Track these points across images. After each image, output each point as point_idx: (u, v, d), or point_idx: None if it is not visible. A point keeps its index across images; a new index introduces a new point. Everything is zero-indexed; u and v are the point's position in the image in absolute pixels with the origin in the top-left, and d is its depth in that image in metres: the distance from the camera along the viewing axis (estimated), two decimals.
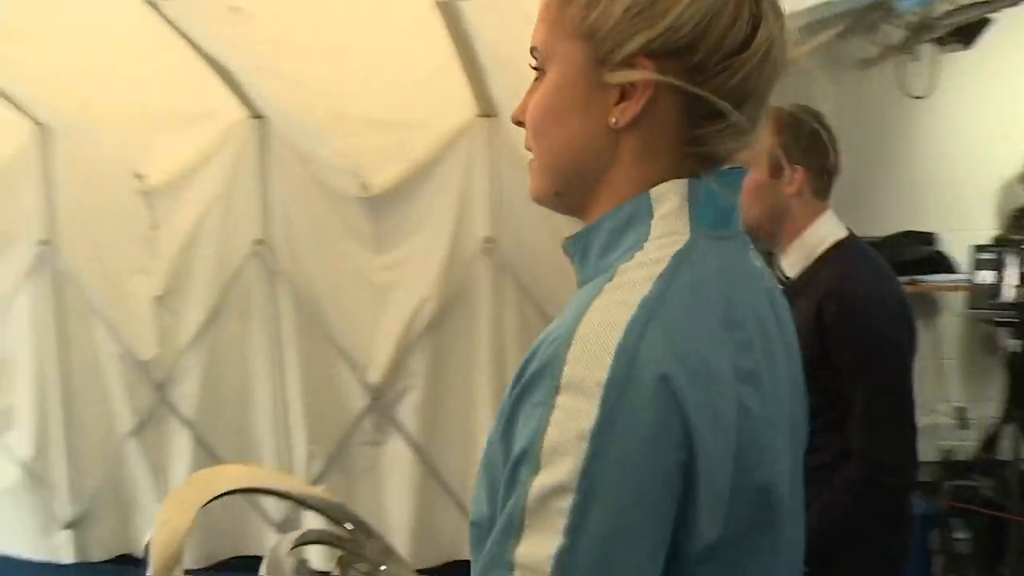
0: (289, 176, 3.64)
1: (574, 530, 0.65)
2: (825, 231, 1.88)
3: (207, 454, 3.76)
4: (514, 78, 1.96)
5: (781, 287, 1.08)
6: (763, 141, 1.66)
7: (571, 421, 0.66)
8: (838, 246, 1.88)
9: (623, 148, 0.78)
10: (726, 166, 0.81)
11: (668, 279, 0.72)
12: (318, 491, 1.68)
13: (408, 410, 3.63)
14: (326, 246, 3.65)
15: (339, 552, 1.28)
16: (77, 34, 3.13)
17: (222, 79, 3.39)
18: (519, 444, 0.68)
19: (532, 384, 0.69)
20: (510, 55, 2.82)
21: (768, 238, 1.92)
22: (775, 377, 0.78)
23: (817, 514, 1.59)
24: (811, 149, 1.87)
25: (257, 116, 3.62)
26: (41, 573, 3.97)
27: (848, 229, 1.92)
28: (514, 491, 0.67)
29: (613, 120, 0.77)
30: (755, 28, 0.75)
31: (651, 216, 0.77)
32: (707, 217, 0.78)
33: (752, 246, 0.85)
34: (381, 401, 3.62)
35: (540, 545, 0.66)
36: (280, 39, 3.01)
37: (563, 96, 0.79)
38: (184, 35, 3.11)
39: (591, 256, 0.79)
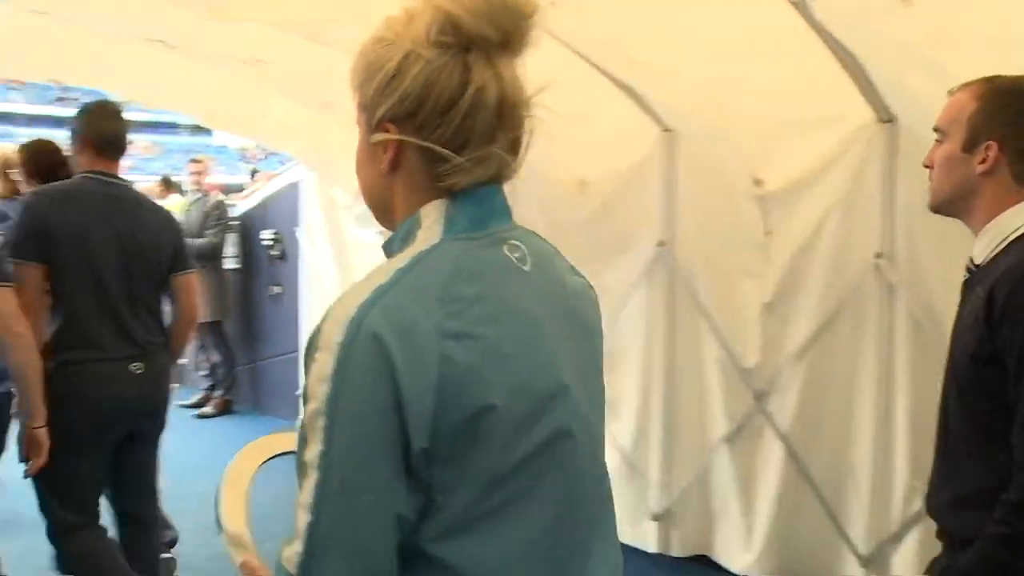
0: (916, 184, 3.32)
1: (327, 440, 0.96)
2: (1021, 219, 1.64)
3: (798, 469, 3.61)
4: None
5: (967, 274, 1.72)
6: (965, 107, 1.67)
7: (321, 369, 0.98)
8: None
9: (396, 186, 1.09)
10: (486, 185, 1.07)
11: (402, 272, 1.02)
12: None
13: None
14: (945, 260, 3.25)
15: None
16: (713, 37, 3.22)
17: (854, 80, 3.23)
18: (303, 384, 1.01)
19: (310, 345, 1.01)
20: None
21: (961, 216, 1.74)
22: (506, 335, 1.02)
23: (978, 552, 1.53)
24: (1015, 125, 1.65)
25: (887, 120, 3.38)
26: (628, 556, 4.22)
27: None
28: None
29: (382, 168, 1.08)
30: (463, 85, 1.01)
31: (419, 228, 1.07)
32: (457, 226, 1.06)
33: (517, 241, 1.10)
34: None
35: (311, 450, 0.98)
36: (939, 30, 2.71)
37: (359, 151, 1.12)
38: (824, 33, 3.01)
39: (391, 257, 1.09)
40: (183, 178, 8.00)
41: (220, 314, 7.21)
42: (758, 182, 3.67)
